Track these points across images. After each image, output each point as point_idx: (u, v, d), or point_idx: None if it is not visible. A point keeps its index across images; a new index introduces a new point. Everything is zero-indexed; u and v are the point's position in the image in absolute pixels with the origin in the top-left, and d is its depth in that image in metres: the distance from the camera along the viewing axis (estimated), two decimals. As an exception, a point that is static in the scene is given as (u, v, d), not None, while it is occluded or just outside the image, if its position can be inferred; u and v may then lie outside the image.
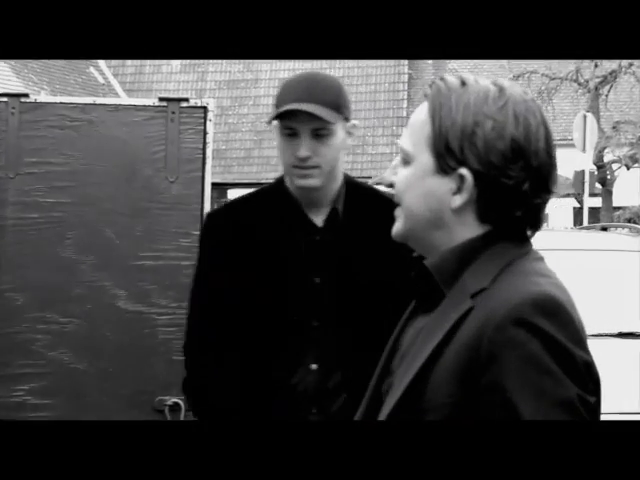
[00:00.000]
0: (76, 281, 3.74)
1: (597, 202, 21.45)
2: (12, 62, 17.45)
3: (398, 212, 1.89)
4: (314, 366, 2.87)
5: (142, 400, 3.69)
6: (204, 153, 3.77)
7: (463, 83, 1.81)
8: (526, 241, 1.84)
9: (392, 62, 24.74)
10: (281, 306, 2.86)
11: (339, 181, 2.92)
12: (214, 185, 4.13)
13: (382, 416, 1.81)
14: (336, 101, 2.81)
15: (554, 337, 1.67)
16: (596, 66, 20.98)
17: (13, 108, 3.75)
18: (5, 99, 3.78)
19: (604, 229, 8.61)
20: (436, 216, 1.83)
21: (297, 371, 2.87)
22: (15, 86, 13.99)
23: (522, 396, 1.65)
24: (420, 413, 1.74)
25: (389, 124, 24.81)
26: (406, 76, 25.20)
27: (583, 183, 16.38)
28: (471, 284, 1.78)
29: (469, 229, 1.82)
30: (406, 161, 1.86)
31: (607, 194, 22.11)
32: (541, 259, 1.84)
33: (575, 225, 23.14)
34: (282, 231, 2.88)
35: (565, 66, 21.20)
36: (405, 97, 24.53)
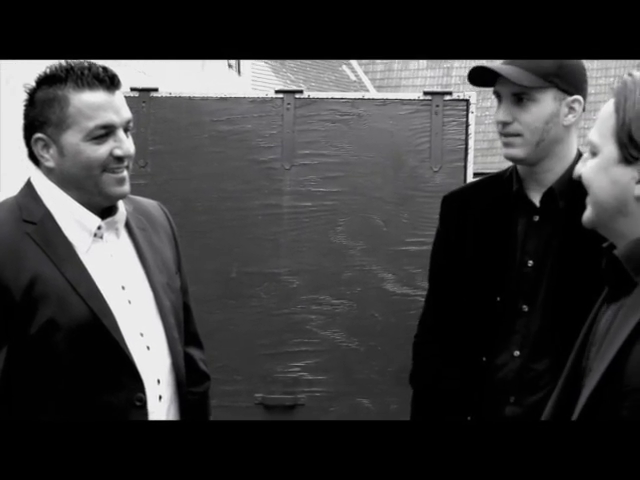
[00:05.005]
0: (347, 265, 3.96)
1: None
2: (271, 62, 18.00)
3: (588, 200, 1.99)
4: (517, 353, 2.72)
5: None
6: (466, 144, 3.92)
7: None
8: None
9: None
10: (491, 287, 2.74)
11: (565, 161, 2.72)
12: (475, 175, 4.25)
13: (579, 405, 1.88)
14: (546, 67, 2.61)
15: None
16: None
17: (288, 104, 3.99)
18: (281, 95, 4.03)
19: None
20: (620, 204, 1.91)
21: (498, 357, 2.74)
22: (274, 84, 14.48)
23: None
24: (619, 397, 1.80)
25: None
26: (647, 68, 24.34)
27: None
28: None
29: None
30: (594, 152, 1.95)
31: None
32: None
33: None
34: (503, 211, 2.76)
35: None
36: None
